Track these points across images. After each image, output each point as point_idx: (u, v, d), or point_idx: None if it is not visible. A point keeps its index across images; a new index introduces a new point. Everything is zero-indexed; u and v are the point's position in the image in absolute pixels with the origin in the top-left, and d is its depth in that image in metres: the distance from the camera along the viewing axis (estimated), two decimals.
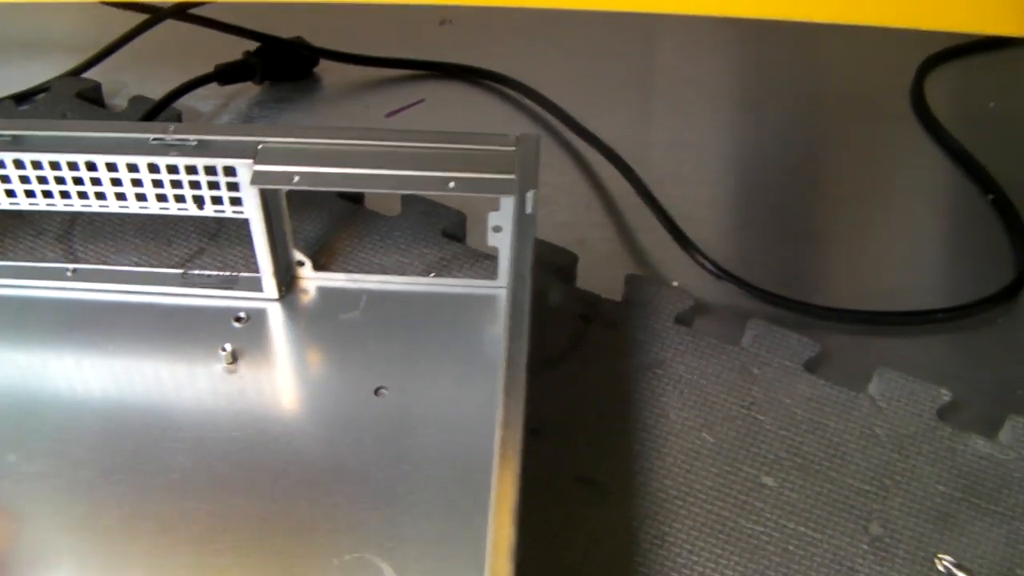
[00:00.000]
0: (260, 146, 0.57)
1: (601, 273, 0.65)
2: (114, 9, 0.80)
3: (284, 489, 0.53)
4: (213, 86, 0.80)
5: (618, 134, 0.75)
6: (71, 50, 0.84)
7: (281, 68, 0.81)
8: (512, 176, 0.55)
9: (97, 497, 0.53)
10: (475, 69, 0.83)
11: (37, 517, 0.52)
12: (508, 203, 0.56)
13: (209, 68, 0.80)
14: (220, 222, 0.66)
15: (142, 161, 0.57)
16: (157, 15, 0.80)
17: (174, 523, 0.52)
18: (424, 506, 0.52)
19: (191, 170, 0.57)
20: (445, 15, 0.86)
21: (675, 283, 0.65)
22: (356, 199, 0.68)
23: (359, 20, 0.82)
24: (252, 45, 0.81)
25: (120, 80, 0.82)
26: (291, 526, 0.51)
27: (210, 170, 0.57)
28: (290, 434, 0.55)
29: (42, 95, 0.80)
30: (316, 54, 0.82)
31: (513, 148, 0.57)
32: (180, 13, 0.80)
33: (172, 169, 0.57)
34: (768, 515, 0.53)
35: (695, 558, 0.51)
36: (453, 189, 0.55)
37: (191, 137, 0.58)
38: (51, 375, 0.59)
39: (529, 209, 0.54)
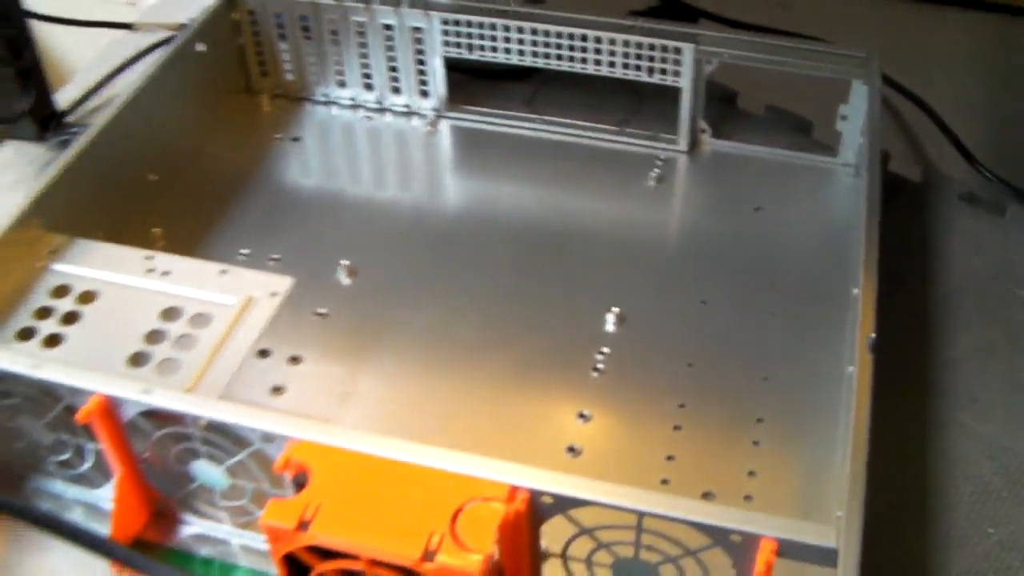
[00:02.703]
0: (698, 36, 0.87)
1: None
2: None
3: (690, 277, 0.82)
4: None
5: None
6: None
7: None
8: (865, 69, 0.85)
9: (548, 271, 0.84)
10: None
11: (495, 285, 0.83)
12: (860, 91, 0.85)
13: None
14: (641, 100, 0.95)
15: (619, 37, 0.88)
16: None
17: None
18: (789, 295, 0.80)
19: (651, 47, 0.88)
20: None
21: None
22: (732, 100, 0.98)
23: None
24: None
25: None
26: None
27: (663, 48, 0.87)
28: (704, 232, 0.85)
29: None
30: None
31: (863, 55, 0.86)
32: None
33: (638, 45, 0.88)
34: None
35: None
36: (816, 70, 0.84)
37: (648, 25, 0.88)
38: (517, 188, 0.90)
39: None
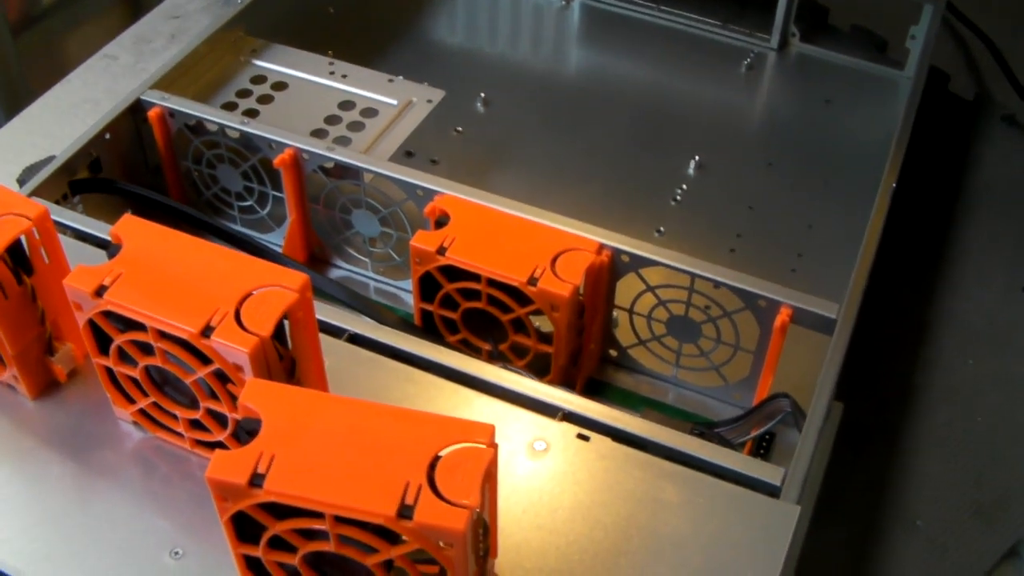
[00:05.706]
0: None
1: None
2: None
3: (762, 143, 1.00)
4: None
5: None
6: None
7: None
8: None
9: (647, 125, 1.01)
10: None
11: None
12: (928, 11, 1.01)
13: None
14: (744, 5, 1.13)
15: None
16: None
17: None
18: (840, 169, 0.98)
19: None
20: None
21: None
22: (824, 15, 1.14)
23: None
24: None
25: None
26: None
27: None
28: (778, 112, 1.02)
29: None
30: None
31: None
32: None
33: None
34: None
35: None
36: None
37: None
38: (630, 61, 1.08)
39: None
